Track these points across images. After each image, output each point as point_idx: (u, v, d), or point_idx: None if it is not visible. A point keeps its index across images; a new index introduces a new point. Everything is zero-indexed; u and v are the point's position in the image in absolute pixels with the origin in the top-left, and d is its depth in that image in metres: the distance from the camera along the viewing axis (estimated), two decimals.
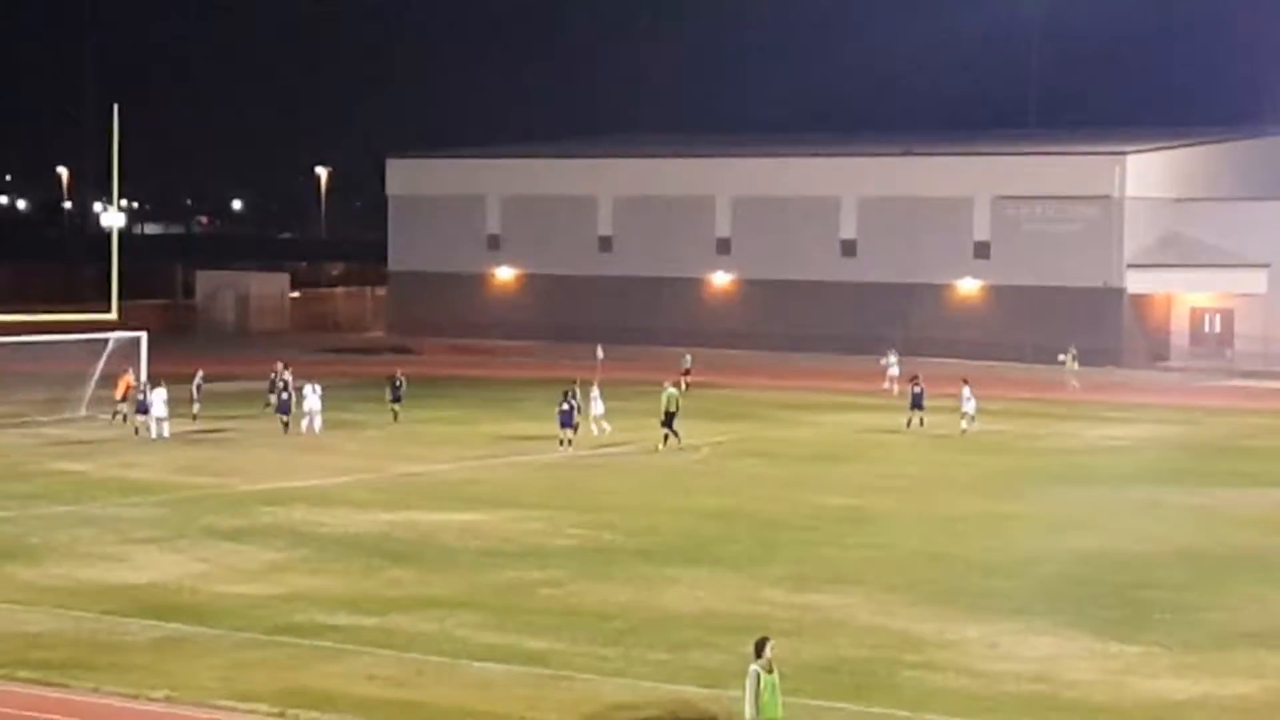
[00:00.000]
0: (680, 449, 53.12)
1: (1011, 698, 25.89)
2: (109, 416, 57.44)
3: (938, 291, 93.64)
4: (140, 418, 54.86)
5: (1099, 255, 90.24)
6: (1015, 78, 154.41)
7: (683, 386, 70.31)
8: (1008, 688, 26.37)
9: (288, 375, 58.17)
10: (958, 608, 31.55)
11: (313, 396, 56.32)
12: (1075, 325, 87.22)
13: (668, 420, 53.75)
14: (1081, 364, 79.05)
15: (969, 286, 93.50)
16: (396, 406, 60.15)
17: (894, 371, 73.87)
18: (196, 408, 58.12)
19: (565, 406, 53.08)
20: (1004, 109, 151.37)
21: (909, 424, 59.68)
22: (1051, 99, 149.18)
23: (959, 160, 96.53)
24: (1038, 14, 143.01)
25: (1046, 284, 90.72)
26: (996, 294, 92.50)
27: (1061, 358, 78.36)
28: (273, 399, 57.71)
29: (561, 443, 52.69)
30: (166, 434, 54.20)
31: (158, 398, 54.58)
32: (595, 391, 56.51)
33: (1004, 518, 42.08)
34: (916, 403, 60.13)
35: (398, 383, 60.89)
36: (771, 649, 21.47)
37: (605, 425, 55.97)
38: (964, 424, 58.83)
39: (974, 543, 38.47)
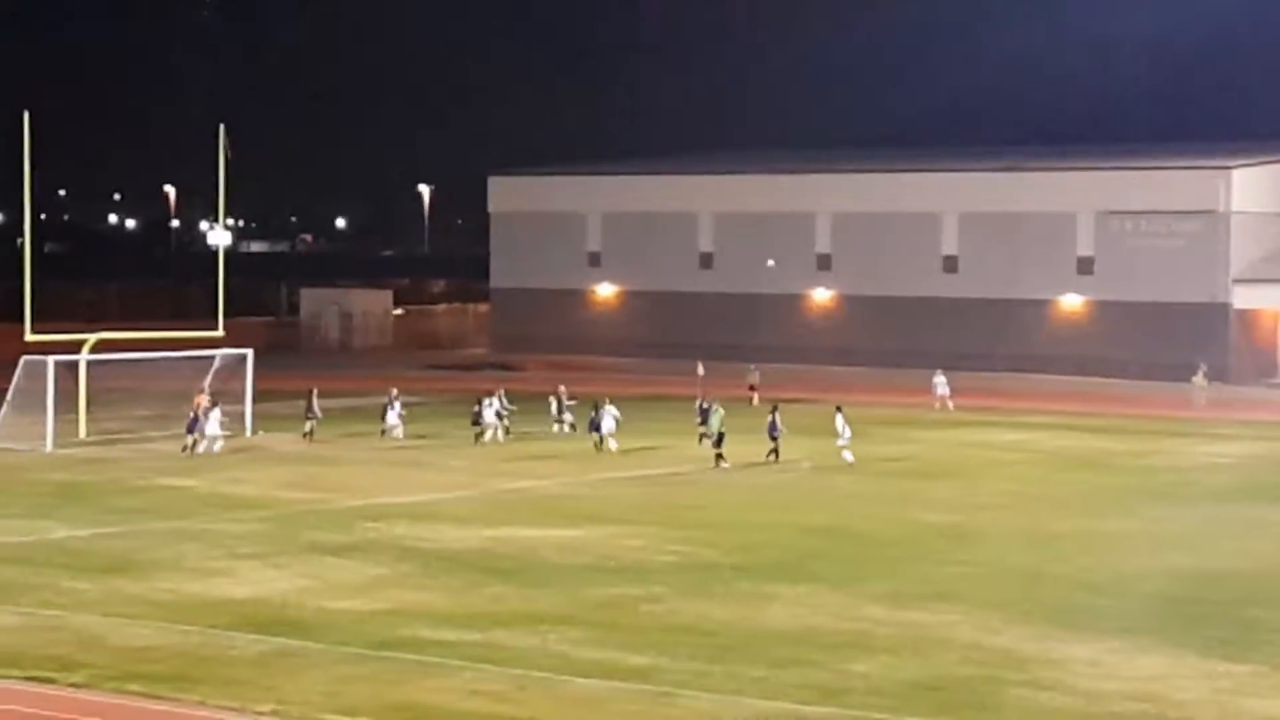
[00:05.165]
0: (779, 465, 53.09)
1: (1117, 717, 25.67)
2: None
3: (1040, 307, 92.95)
4: (387, 421, 60.63)
5: (1205, 270, 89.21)
6: (1120, 91, 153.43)
7: (753, 401, 70.41)
8: (1113, 707, 26.15)
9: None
10: (1061, 626, 31.31)
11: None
12: (1181, 342, 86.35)
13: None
14: (1186, 380, 78.28)
15: (1072, 302, 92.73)
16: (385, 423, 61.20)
17: (943, 391, 73.76)
18: (309, 425, 58.95)
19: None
20: (1108, 123, 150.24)
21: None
22: (1156, 113, 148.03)
23: (1062, 175, 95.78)
24: (1142, 27, 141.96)
25: (1151, 300, 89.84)
26: (1100, 310, 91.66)
27: (1195, 378, 77.46)
28: (309, 425, 59.33)
29: (719, 459, 53.00)
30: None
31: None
32: (609, 406, 56.21)
33: (1107, 535, 41.73)
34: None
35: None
36: None
37: (613, 443, 55.56)
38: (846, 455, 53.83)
39: (1076, 560, 38.17)
